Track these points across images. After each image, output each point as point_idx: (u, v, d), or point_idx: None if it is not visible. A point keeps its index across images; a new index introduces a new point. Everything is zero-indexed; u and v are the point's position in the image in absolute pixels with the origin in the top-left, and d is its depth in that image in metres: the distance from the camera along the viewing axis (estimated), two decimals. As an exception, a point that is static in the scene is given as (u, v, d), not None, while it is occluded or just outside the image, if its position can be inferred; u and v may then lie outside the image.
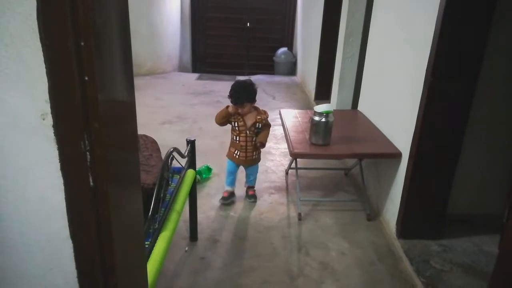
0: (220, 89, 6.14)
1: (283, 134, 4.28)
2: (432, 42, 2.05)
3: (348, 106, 3.91)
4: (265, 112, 2.65)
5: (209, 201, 2.80)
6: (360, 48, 3.81)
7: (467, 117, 2.16)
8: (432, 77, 2.08)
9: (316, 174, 3.29)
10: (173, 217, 1.69)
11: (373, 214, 2.68)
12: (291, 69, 7.75)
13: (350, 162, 3.28)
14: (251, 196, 2.81)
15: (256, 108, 2.65)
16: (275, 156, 3.69)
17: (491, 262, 2.15)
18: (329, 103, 4.19)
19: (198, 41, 8.25)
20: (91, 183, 0.77)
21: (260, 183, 3.13)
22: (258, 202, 2.84)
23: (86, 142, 0.73)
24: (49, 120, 0.71)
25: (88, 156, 0.74)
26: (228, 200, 2.74)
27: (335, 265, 2.19)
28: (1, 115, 0.70)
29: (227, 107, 2.59)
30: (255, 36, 8.17)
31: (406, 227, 2.37)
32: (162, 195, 1.60)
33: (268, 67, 7.94)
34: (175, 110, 4.98)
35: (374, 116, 2.91)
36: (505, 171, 2.42)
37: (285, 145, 3.93)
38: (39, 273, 0.83)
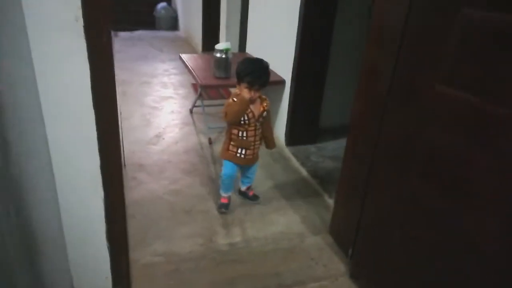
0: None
1: (180, 82, 4.67)
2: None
3: (236, 50, 4.47)
4: (265, 97, 2.18)
5: (126, 138, 3.10)
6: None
7: (329, 49, 2.92)
8: (303, 19, 2.75)
9: (217, 109, 3.80)
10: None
11: (266, 133, 3.37)
12: (173, 24, 7.90)
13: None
14: (254, 197, 2.44)
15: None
16: (178, 100, 4.09)
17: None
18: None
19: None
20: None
21: (169, 121, 3.54)
22: (172, 134, 3.26)
23: (105, 37, 1.11)
24: (81, 22, 1.06)
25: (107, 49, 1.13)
26: (229, 206, 2.33)
27: (243, 169, 2.81)
28: (45, 18, 1.03)
29: (235, 96, 2.03)
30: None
31: (291, 137, 3.12)
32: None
33: (149, 23, 7.93)
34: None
35: (261, 55, 3.51)
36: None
37: (184, 90, 4.36)
38: (66, 138, 1.18)
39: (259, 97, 2.11)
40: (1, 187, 0.91)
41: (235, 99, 2.02)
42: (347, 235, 1.92)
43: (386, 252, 1.62)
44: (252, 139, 2.15)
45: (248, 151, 2.17)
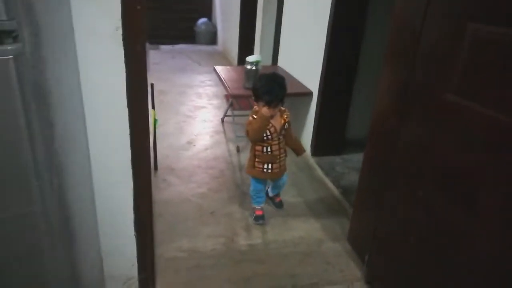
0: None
1: (214, 93, 4.87)
2: (330, 13, 2.79)
3: (269, 63, 4.62)
4: (285, 109, 2.23)
5: (160, 144, 3.29)
6: (276, 15, 4.50)
7: (357, 64, 2.99)
8: (331, 35, 2.84)
9: (246, 119, 3.95)
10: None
11: (294, 144, 3.45)
12: (212, 39, 8.22)
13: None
14: (279, 204, 2.50)
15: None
16: (210, 109, 4.27)
17: (375, 166, 3.07)
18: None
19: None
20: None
21: (201, 129, 3.71)
22: (203, 141, 3.42)
23: (140, 45, 1.26)
24: (120, 31, 1.22)
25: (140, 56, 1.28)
26: (265, 218, 2.35)
27: (269, 177, 2.91)
28: (91, 27, 1.19)
29: (254, 113, 2.10)
30: (174, 7, 8.42)
31: (317, 147, 3.18)
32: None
33: (190, 37, 8.31)
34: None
35: (291, 67, 3.64)
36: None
37: (217, 101, 4.55)
38: (103, 132, 1.33)
39: (279, 110, 2.14)
40: (47, 167, 1.06)
41: (254, 117, 2.07)
42: (364, 242, 1.95)
43: (401, 259, 1.65)
44: (277, 152, 2.17)
45: (274, 165, 2.20)
